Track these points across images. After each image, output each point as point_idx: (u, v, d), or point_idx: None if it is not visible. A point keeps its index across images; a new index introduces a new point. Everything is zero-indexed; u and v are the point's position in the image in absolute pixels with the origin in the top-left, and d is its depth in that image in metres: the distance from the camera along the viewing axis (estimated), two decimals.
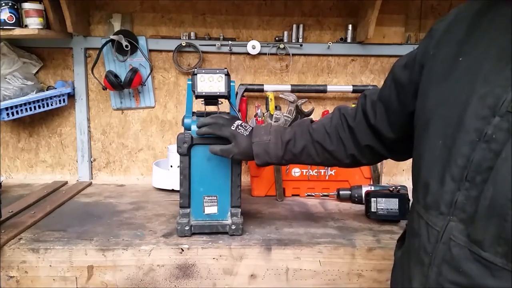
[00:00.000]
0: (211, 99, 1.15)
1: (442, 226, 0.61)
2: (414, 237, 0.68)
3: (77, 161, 1.77)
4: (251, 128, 1.09)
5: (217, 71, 1.12)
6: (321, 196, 1.57)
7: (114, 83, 1.62)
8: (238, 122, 1.09)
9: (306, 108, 1.53)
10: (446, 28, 0.71)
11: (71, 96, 1.72)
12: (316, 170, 1.58)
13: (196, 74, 1.11)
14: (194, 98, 1.17)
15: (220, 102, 1.18)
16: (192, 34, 1.70)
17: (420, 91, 0.73)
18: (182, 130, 1.18)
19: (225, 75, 1.12)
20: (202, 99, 1.16)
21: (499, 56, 0.57)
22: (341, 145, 1.01)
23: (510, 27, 0.58)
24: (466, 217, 0.58)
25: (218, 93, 1.13)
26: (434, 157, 0.64)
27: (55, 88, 1.67)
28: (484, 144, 0.55)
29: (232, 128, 1.07)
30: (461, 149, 0.58)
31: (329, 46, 1.70)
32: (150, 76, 1.70)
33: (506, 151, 0.53)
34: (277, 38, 1.72)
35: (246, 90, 1.68)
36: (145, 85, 1.72)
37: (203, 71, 1.12)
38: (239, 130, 1.07)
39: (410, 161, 1.95)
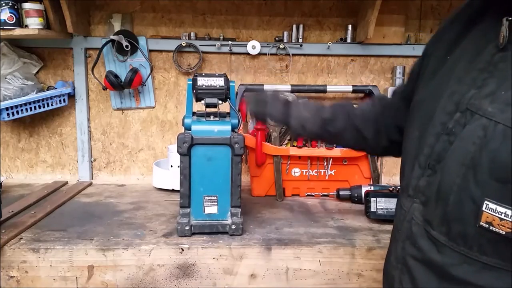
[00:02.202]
0: (211, 91, 1.16)
1: (408, 207, 0.68)
2: (395, 217, 0.77)
3: (77, 161, 1.77)
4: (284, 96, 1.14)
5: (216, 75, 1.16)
6: (321, 196, 1.57)
7: (114, 83, 1.62)
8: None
9: None
10: (445, 27, 0.74)
11: (71, 96, 1.72)
12: (316, 170, 1.58)
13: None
14: (194, 100, 1.18)
15: (220, 103, 1.18)
16: (192, 34, 1.70)
17: (416, 88, 0.78)
18: (182, 130, 1.18)
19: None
20: (203, 101, 1.17)
21: (472, 57, 0.62)
22: (377, 135, 1.01)
23: (490, 32, 0.61)
24: (424, 199, 0.65)
25: (217, 86, 1.15)
26: (411, 147, 0.71)
27: (55, 88, 1.67)
28: (445, 136, 0.61)
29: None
30: (428, 140, 0.64)
31: (329, 46, 1.70)
32: (150, 76, 1.70)
33: (457, 143, 0.59)
34: (277, 38, 1.72)
35: (246, 90, 1.68)
36: (145, 85, 1.73)
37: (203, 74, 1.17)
38: (275, 93, 1.12)
39: None
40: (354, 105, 1.07)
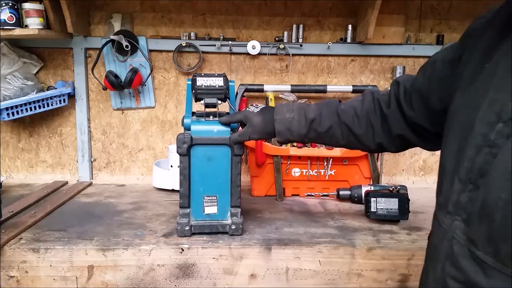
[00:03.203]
0: (210, 91, 1.16)
1: (449, 224, 0.63)
2: (432, 234, 0.72)
3: (77, 161, 1.77)
4: (262, 106, 1.12)
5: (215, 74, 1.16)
6: (321, 196, 1.57)
7: (114, 83, 1.62)
8: (250, 106, 1.14)
9: None
10: (481, 31, 0.70)
11: (71, 96, 1.72)
12: (316, 170, 1.58)
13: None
14: (193, 100, 1.18)
15: (219, 103, 1.18)
16: (192, 34, 1.70)
17: (452, 94, 0.73)
18: (182, 130, 1.18)
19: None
20: (202, 101, 1.17)
21: None
22: (370, 131, 0.97)
23: None
24: (467, 217, 0.60)
25: (217, 86, 1.14)
26: (450, 158, 0.67)
27: (56, 88, 1.67)
28: (487, 149, 0.57)
29: (243, 110, 1.11)
30: (468, 152, 0.60)
31: (329, 46, 1.70)
32: (150, 76, 1.70)
33: (501, 156, 0.55)
34: (277, 38, 1.72)
35: (246, 90, 1.68)
36: (145, 85, 1.73)
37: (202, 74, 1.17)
38: (249, 109, 1.10)
39: (410, 161, 1.94)
40: (341, 102, 1.04)
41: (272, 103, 1.59)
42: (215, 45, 1.69)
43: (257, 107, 1.13)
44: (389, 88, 0.98)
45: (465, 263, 0.59)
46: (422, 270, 0.78)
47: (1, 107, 1.44)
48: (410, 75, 0.92)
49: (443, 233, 0.64)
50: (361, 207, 1.43)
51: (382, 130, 0.96)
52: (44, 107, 1.61)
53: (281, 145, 1.54)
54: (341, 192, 1.53)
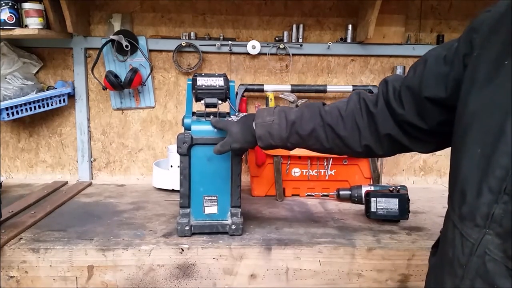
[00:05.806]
0: (210, 91, 1.16)
1: (477, 238, 0.59)
2: (448, 247, 0.66)
3: (77, 161, 1.77)
4: (244, 114, 1.09)
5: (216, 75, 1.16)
6: (321, 196, 1.57)
7: (114, 83, 1.62)
8: (232, 115, 1.12)
9: None
10: (493, 25, 0.64)
11: (71, 96, 1.72)
12: (316, 170, 1.58)
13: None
14: (194, 100, 1.18)
15: (220, 103, 1.18)
16: (192, 34, 1.70)
17: (461, 94, 0.68)
18: (182, 130, 1.18)
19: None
20: (202, 101, 1.17)
21: None
22: (355, 132, 0.92)
23: None
24: (503, 231, 0.55)
25: (217, 86, 1.14)
26: (472, 166, 0.61)
27: (55, 88, 1.67)
28: None
29: (225, 119, 1.10)
30: (500, 160, 0.56)
31: (329, 46, 1.70)
32: (150, 76, 1.70)
33: None
34: (277, 38, 1.72)
35: (246, 90, 1.68)
36: (145, 85, 1.73)
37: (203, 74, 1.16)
38: (230, 118, 1.08)
39: (410, 161, 1.93)
40: (326, 103, 1.01)
41: (272, 103, 1.59)
42: (215, 45, 1.69)
43: (238, 116, 1.09)
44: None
45: (502, 282, 0.55)
46: (431, 283, 0.73)
47: (1, 107, 1.44)
48: (399, 75, 0.88)
49: (469, 248, 0.60)
50: (361, 207, 1.43)
51: (369, 131, 0.91)
52: (44, 107, 1.61)
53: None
54: (341, 192, 1.52)
